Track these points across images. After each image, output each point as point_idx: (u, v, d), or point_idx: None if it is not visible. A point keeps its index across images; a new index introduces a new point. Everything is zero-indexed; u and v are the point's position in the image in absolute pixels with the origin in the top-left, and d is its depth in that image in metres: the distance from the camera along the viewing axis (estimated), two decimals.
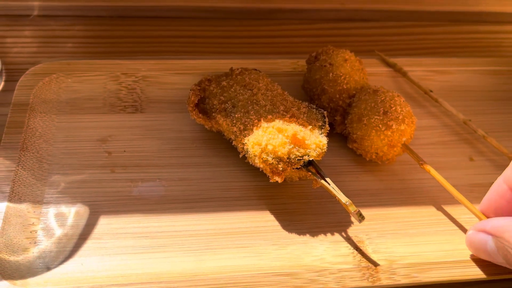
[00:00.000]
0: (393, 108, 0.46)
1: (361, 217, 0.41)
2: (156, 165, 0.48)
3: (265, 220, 0.46)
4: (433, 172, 0.46)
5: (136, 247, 0.43)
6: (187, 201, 0.46)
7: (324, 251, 0.44)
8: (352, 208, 0.42)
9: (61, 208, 0.44)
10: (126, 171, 0.47)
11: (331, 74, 0.49)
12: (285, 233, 0.45)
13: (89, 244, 0.42)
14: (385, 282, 0.42)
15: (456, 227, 0.48)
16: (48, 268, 0.41)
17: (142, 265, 0.41)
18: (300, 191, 0.48)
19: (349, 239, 0.45)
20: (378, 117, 0.46)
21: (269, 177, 0.44)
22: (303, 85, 0.53)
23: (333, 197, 0.43)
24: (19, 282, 0.39)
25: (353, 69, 0.50)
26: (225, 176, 0.48)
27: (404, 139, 0.47)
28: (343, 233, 0.46)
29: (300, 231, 0.45)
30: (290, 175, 0.46)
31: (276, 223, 0.46)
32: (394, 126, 0.45)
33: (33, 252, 0.41)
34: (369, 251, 0.44)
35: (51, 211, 0.44)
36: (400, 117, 0.46)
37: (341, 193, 0.43)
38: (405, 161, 0.51)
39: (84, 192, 0.45)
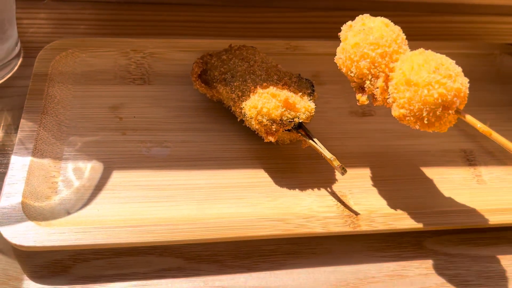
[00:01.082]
0: (445, 66, 0.41)
1: (343, 170, 0.47)
2: (163, 129, 0.54)
3: (259, 176, 0.52)
4: (495, 135, 0.43)
5: (145, 197, 0.48)
6: (190, 160, 0.52)
7: (311, 202, 0.50)
8: (336, 163, 0.48)
9: (79, 164, 0.50)
10: (136, 134, 0.53)
11: (371, 36, 0.44)
12: (277, 187, 0.51)
13: (103, 194, 0.48)
14: (364, 228, 0.48)
15: (429, 186, 0.54)
16: (68, 213, 0.46)
17: (151, 212, 0.47)
18: (291, 153, 0.54)
19: (333, 194, 0.51)
20: (429, 74, 0.41)
21: (264, 138, 0.50)
22: (337, 57, 0.48)
23: (320, 157, 0.49)
24: (43, 223, 0.44)
25: (394, 32, 0.45)
26: (224, 140, 0.54)
27: (458, 101, 0.41)
28: (328, 189, 0.52)
29: (290, 186, 0.51)
30: (282, 137, 0.52)
31: (269, 179, 0.52)
32: (448, 84, 0.40)
33: (54, 199, 0.47)
34: (351, 203, 0.50)
35: (69, 166, 0.50)
36: (453, 75, 0.41)
37: (326, 151, 0.48)
38: (388, 129, 0.58)
39: (99, 150, 0.51)
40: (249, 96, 0.50)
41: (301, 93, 0.51)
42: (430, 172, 0.55)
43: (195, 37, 0.69)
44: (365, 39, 0.45)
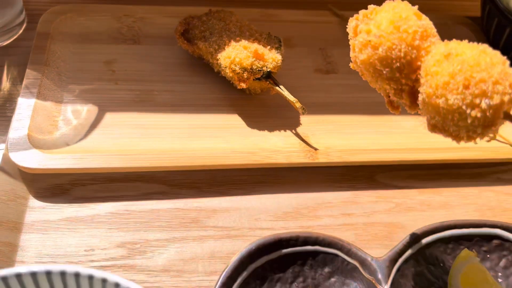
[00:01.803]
0: (477, 78, 0.32)
1: (304, 110, 0.55)
2: (150, 80, 0.62)
3: (233, 120, 0.60)
4: None
5: (134, 134, 0.56)
6: (173, 105, 0.60)
7: (277, 141, 0.58)
8: (297, 105, 0.56)
9: (77, 107, 0.58)
10: (127, 84, 0.61)
11: (380, 49, 0.37)
12: (248, 129, 0.59)
13: (98, 131, 0.56)
14: (321, 160, 0.56)
15: (383, 130, 0.62)
16: (67, 144, 0.54)
17: (139, 145, 0.55)
18: (261, 101, 0.62)
19: (297, 134, 0.59)
20: (458, 96, 0.33)
21: (237, 85, 0.57)
22: (352, 64, 0.41)
23: (288, 106, 0.57)
24: (46, 151, 0.52)
25: (408, 33, 0.37)
26: (203, 90, 0.62)
27: (504, 108, 0.33)
28: (293, 131, 0.60)
29: (260, 128, 0.59)
30: (253, 86, 0.59)
31: (242, 122, 0.60)
32: (483, 105, 0.32)
33: (56, 134, 0.55)
34: (312, 142, 0.58)
35: (69, 108, 0.57)
36: (489, 88, 0.32)
37: (290, 95, 0.56)
38: (349, 84, 0.66)
39: (94, 96, 0.59)
40: (224, 49, 0.58)
41: (269, 47, 0.59)
42: (384, 119, 0.63)
43: (180, 5, 0.76)
44: (373, 54, 0.37)
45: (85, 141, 0.55)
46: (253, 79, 0.57)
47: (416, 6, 0.39)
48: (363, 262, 0.48)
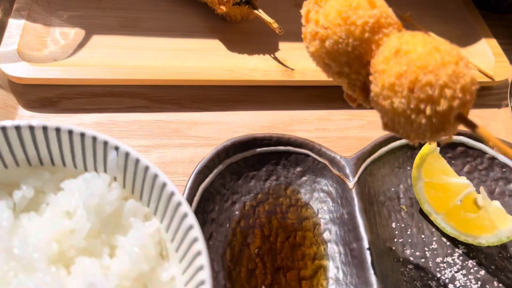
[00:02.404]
0: (423, 81, 0.29)
1: (281, 30, 0.58)
2: (136, 9, 0.64)
3: (215, 44, 0.62)
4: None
5: (120, 53, 0.59)
6: (158, 31, 0.62)
7: (256, 63, 0.61)
8: (275, 25, 0.58)
9: (65, 29, 0.60)
10: (113, 12, 0.63)
11: (327, 43, 0.33)
12: (228, 52, 0.62)
13: (85, 50, 0.59)
14: (297, 78, 0.59)
15: None
16: (55, 60, 0.57)
17: (124, 62, 0.58)
18: (242, 29, 0.65)
19: (275, 58, 0.62)
20: (402, 100, 0.30)
21: (217, 9, 0.60)
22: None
23: (267, 33, 0.60)
24: (34, 64, 0.55)
25: (357, 25, 0.33)
26: (186, 18, 0.65)
27: (454, 113, 0.29)
28: (272, 55, 0.62)
29: (240, 52, 0.62)
30: (233, 12, 0.62)
31: (223, 46, 0.62)
32: (428, 110, 0.29)
33: (44, 52, 0.57)
34: (289, 64, 0.61)
35: (57, 30, 0.60)
36: (436, 92, 0.29)
37: (268, 17, 0.59)
38: None
39: (82, 21, 0.61)
40: None
41: None
42: None
43: None
44: (321, 47, 0.34)
45: (72, 58, 0.57)
46: (233, 4, 0.60)
47: None
48: (332, 160, 0.51)
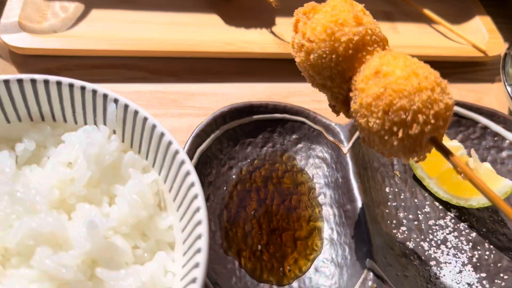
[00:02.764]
0: (398, 105, 0.30)
1: (277, 4, 0.59)
2: None
3: (212, 19, 0.63)
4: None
5: (120, 27, 0.60)
6: (158, 5, 0.63)
7: (254, 37, 0.62)
8: None
9: (64, 3, 0.61)
10: None
11: (312, 56, 0.35)
12: (226, 26, 0.63)
13: (84, 23, 0.60)
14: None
15: None
16: (55, 31, 0.58)
17: (123, 34, 0.59)
18: (240, 5, 0.66)
19: (272, 32, 0.63)
20: (377, 120, 0.31)
21: None
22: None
23: (265, 10, 0.61)
24: (35, 35, 0.56)
25: (341, 42, 0.34)
26: None
27: (425, 138, 0.31)
28: (268, 29, 0.63)
29: (238, 26, 0.63)
30: None
31: (220, 21, 0.63)
32: (400, 133, 0.30)
33: (45, 24, 0.58)
34: (286, 38, 0.62)
35: (57, 4, 0.61)
36: (409, 116, 0.30)
37: None
38: None
39: None
40: None
41: None
42: None
43: None
44: (306, 59, 0.35)
45: (71, 31, 0.58)
46: None
47: (361, 6, 0.35)
48: (327, 127, 0.52)
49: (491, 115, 0.55)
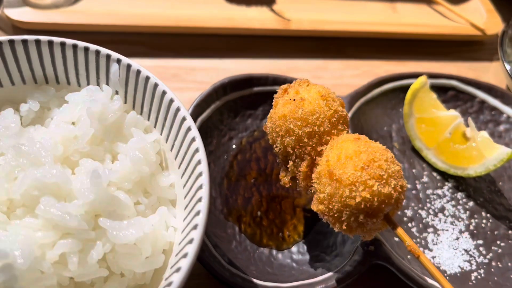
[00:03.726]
0: (376, 163, 0.33)
1: None
2: None
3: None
4: (423, 257, 0.35)
5: (122, 1, 0.60)
6: None
7: (254, 14, 0.62)
8: None
9: None
10: None
11: (301, 110, 0.37)
12: (226, 5, 0.63)
13: (86, 1, 0.60)
14: (293, 27, 0.61)
15: (352, 9, 0.66)
16: (57, 7, 0.58)
17: (126, 10, 0.59)
18: None
19: (272, 10, 0.63)
20: (355, 172, 0.33)
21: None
22: (265, 125, 0.41)
23: None
24: (38, 10, 0.56)
25: (330, 109, 0.37)
26: None
27: (386, 208, 0.33)
28: (269, 7, 0.64)
29: (238, 3, 0.64)
30: None
31: (223, 2, 0.64)
32: (375, 187, 0.32)
33: (48, 0, 0.59)
34: (286, 16, 0.63)
35: None
36: (385, 176, 0.33)
37: None
38: None
39: None
40: None
41: None
42: (355, 3, 0.67)
43: None
44: (293, 111, 0.36)
45: (74, 6, 0.59)
46: None
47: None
48: None
49: (489, 89, 0.55)
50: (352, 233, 0.35)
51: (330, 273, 0.40)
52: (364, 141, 0.35)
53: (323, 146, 0.36)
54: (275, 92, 0.52)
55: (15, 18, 0.55)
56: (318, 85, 0.39)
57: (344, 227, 0.35)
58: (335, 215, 0.35)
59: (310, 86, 0.39)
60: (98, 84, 0.38)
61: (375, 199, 0.32)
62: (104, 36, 0.58)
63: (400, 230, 0.35)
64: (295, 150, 0.37)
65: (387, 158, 0.34)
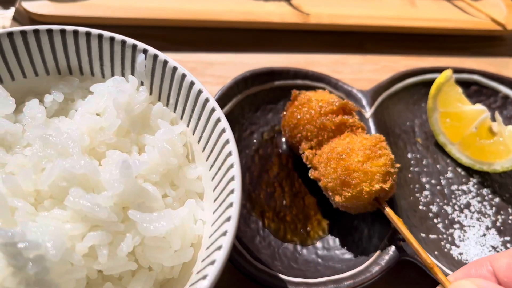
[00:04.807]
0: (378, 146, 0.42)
1: None
2: None
3: None
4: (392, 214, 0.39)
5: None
6: None
7: (272, 8, 0.62)
8: None
9: None
10: None
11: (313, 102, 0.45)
12: None
13: None
14: (313, 21, 0.60)
15: (374, 4, 0.65)
16: (74, 1, 0.58)
17: (143, 4, 0.59)
18: None
19: (291, 4, 0.63)
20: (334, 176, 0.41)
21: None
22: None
23: None
24: (55, 2, 0.56)
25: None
26: None
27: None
28: (287, 1, 0.63)
29: None
30: None
31: None
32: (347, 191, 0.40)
33: None
34: (304, 10, 0.62)
35: None
36: (354, 182, 0.39)
37: None
38: None
39: None
40: None
41: None
42: None
43: None
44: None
45: (92, 0, 0.58)
46: None
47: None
48: (349, 93, 0.51)
49: None
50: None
51: (356, 269, 0.40)
52: (345, 125, 0.44)
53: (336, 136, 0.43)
54: (296, 86, 0.52)
55: (32, 11, 0.54)
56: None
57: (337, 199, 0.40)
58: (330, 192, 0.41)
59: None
60: (123, 75, 0.37)
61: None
62: (121, 30, 0.57)
63: (388, 210, 0.39)
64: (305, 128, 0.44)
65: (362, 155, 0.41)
